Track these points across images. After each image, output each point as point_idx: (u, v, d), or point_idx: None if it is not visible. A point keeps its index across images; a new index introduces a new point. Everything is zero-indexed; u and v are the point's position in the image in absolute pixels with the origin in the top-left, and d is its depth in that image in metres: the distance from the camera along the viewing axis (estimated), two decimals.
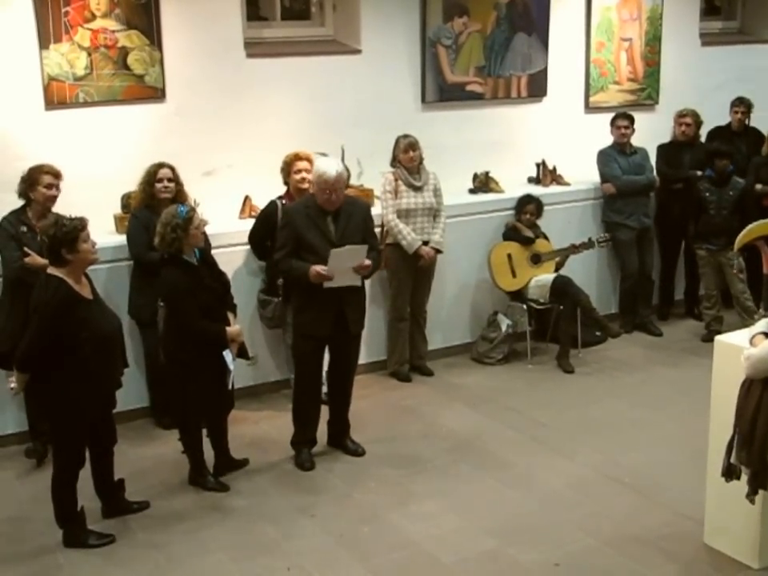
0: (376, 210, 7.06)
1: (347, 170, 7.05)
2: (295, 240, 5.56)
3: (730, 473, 4.05)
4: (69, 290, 4.66)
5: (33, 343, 4.65)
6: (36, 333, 4.64)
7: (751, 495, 3.97)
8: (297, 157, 6.42)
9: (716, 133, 8.48)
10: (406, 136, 6.90)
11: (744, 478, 3.97)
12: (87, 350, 4.67)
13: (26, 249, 5.55)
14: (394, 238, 6.90)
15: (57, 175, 5.68)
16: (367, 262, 5.58)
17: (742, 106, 8.38)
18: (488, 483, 5.56)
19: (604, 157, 7.97)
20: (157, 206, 5.94)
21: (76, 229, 4.65)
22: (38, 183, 5.65)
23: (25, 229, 5.66)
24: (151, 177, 6.02)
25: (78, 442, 4.87)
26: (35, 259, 5.49)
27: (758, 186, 7.81)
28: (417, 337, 7.27)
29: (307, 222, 5.56)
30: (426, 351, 7.36)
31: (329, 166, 5.52)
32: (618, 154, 7.93)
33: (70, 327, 4.63)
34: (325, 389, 6.26)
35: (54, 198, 5.68)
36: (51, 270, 4.70)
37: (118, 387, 5.09)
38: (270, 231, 6.38)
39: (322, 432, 5.99)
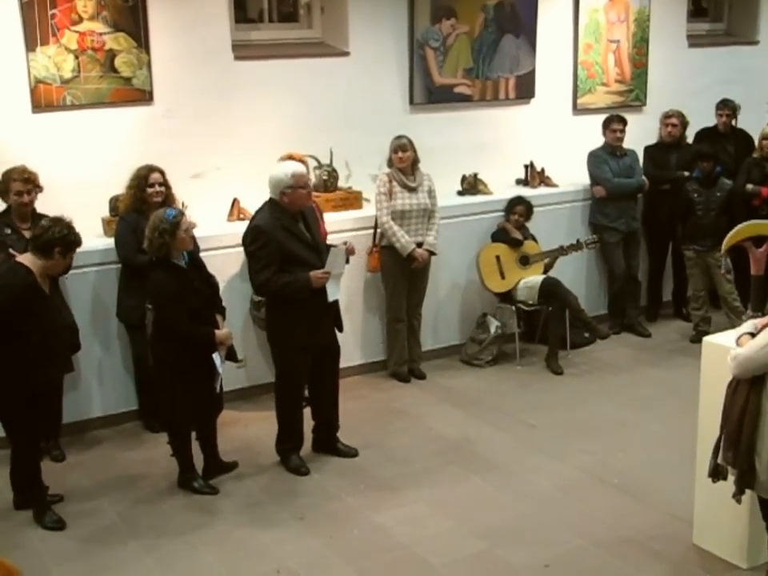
0: (366, 212, 7.11)
1: (334, 171, 7.14)
2: (279, 256, 5.46)
3: (716, 473, 4.06)
4: (34, 282, 4.90)
5: None
6: None
7: (738, 495, 3.98)
8: (291, 158, 6.42)
9: (703, 134, 8.50)
10: (398, 137, 6.90)
11: (731, 478, 3.98)
12: (34, 339, 4.88)
13: (10, 251, 5.54)
14: (388, 240, 6.90)
15: (27, 180, 5.64)
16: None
17: (726, 108, 8.38)
18: (477, 485, 5.56)
19: (595, 159, 7.97)
20: (146, 209, 5.93)
21: (77, 242, 5.01)
22: (9, 190, 5.66)
23: (9, 231, 5.65)
24: (142, 181, 5.98)
25: (25, 421, 5.03)
26: None
27: (749, 186, 7.80)
28: (410, 339, 7.26)
29: (286, 234, 5.49)
30: (420, 354, 7.36)
31: (291, 165, 5.70)
32: (609, 156, 7.93)
33: (23, 316, 4.85)
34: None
35: (26, 205, 5.64)
36: (22, 259, 4.93)
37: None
38: None
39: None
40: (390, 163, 6.96)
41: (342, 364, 6.09)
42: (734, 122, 8.48)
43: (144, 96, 6.57)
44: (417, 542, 4.93)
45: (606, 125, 7.95)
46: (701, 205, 7.64)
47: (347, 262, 5.79)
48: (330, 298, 5.58)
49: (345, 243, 5.72)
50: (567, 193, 8.13)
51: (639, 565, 4.69)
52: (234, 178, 6.86)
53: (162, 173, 6.04)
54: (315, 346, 5.65)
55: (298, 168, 5.59)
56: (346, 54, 7.31)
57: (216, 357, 5.35)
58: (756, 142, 8.03)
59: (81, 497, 5.49)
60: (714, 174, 7.66)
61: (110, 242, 6.18)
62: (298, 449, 5.84)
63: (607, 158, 7.93)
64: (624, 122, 7.91)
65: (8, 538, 5.03)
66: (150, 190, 5.97)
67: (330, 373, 5.86)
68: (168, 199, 6.02)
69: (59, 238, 4.90)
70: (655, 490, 5.40)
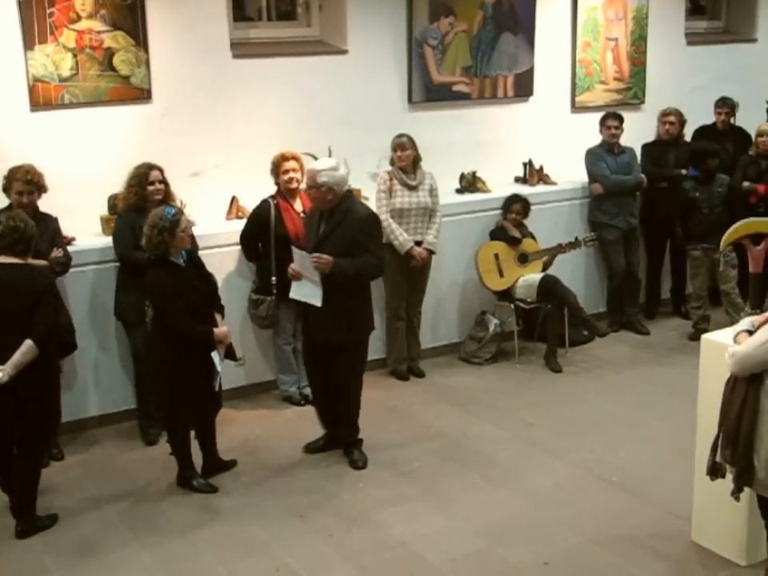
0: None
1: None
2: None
3: (714, 471, 4.06)
4: None
5: (54, 321, 4.98)
6: (54, 311, 4.98)
7: (736, 493, 3.98)
8: (283, 157, 6.43)
9: (702, 132, 8.50)
10: (399, 136, 6.92)
11: (730, 476, 3.98)
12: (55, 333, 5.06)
13: None
14: (386, 237, 6.90)
15: (29, 182, 5.60)
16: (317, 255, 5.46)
17: (725, 106, 8.38)
18: (476, 483, 5.56)
19: (592, 156, 7.97)
20: (146, 207, 5.90)
21: None
22: (11, 189, 5.65)
23: None
24: (143, 179, 5.95)
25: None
26: None
27: (745, 184, 7.83)
28: (409, 338, 7.27)
29: (307, 219, 5.86)
30: (419, 352, 7.37)
31: (315, 162, 5.74)
32: (607, 154, 7.93)
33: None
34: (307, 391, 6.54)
35: (25, 206, 5.59)
36: (24, 261, 4.97)
37: None
38: (261, 231, 6.37)
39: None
40: (392, 161, 6.96)
41: None
42: (732, 120, 8.48)
43: (142, 94, 6.56)
44: (416, 540, 4.93)
45: (602, 122, 7.96)
46: (705, 203, 7.60)
47: (334, 278, 5.52)
48: (291, 294, 5.70)
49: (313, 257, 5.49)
50: (566, 191, 8.13)
51: (638, 562, 4.69)
52: (233, 177, 6.86)
53: (161, 170, 6.03)
54: (314, 342, 5.68)
55: (310, 166, 5.70)
56: (345, 52, 7.31)
57: (215, 355, 5.36)
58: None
59: (79, 495, 5.49)
60: (712, 170, 7.65)
61: (108, 240, 6.17)
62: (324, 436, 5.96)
63: (605, 155, 7.93)
64: (619, 119, 7.91)
65: (7, 538, 5.03)
66: (150, 188, 5.95)
67: (333, 374, 5.78)
68: (167, 197, 6.01)
69: (34, 232, 5.05)
70: (654, 487, 5.41)
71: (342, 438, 5.91)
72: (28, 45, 6.11)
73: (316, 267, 5.45)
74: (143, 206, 5.91)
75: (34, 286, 4.86)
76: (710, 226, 7.52)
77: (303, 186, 6.43)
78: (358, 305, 5.66)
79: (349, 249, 5.49)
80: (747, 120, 8.42)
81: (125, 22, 6.40)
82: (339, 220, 5.53)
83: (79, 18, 6.25)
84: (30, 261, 5.04)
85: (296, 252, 5.59)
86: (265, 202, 6.43)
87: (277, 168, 6.43)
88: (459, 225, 7.51)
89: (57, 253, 5.69)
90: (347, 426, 5.89)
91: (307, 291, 5.55)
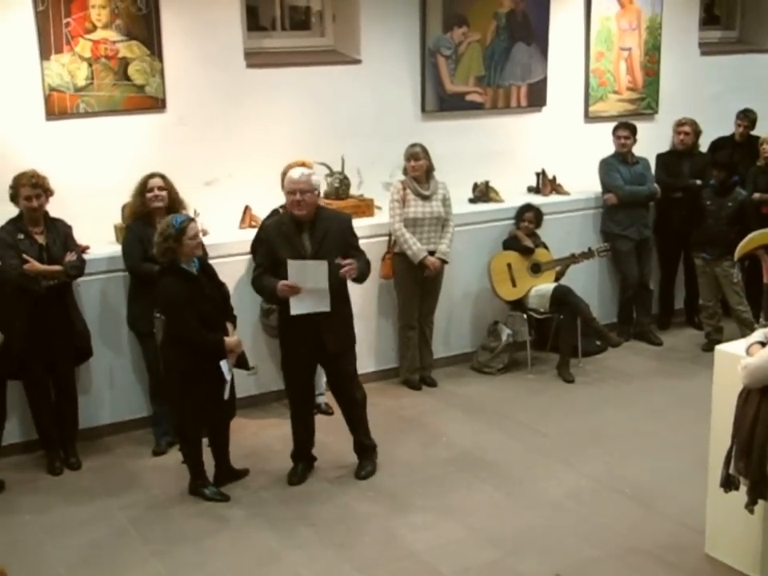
0: (378, 220, 7.12)
1: (346, 179, 7.11)
2: (270, 258, 5.47)
3: (728, 483, 4.05)
4: None
5: None
6: None
7: (750, 506, 3.96)
8: (289, 166, 6.43)
9: (719, 143, 8.48)
10: (412, 145, 6.92)
11: (743, 488, 3.97)
12: None
13: (24, 256, 5.57)
14: (400, 247, 6.91)
15: (35, 185, 5.63)
16: (346, 262, 5.42)
17: (746, 119, 8.36)
18: (488, 493, 5.55)
19: (606, 166, 7.96)
20: (149, 216, 5.92)
21: None
22: (19, 196, 5.68)
23: (22, 236, 5.67)
24: (142, 187, 5.98)
25: None
26: (34, 265, 5.58)
27: (756, 195, 7.81)
28: (422, 347, 7.26)
29: (281, 239, 5.44)
30: (431, 362, 7.36)
31: (295, 170, 5.56)
32: (620, 164, 7.92)
33: None
34: (324, 399, 6.50)
35: (35, 210, 5.66)
36: None
37: None
38: None
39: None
40: (405, 171, 6.97)
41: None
42: (751, 133, 8.44)
43: (157, 103, 6.59)
44: (428, 550, 4.92)
45: (613, 132, 7.94)
46: (712, 213, 7.61)
47: (358, 280, 5.61)
48: (293, 311, 5.39)
49: (339, 263, 5.41)
50: (579, 201, 8.12)
51: (651, 575, 4.66)
52: (246, 186, 6.88)
53: (162, 177, 6.02)
54: (307, 357, 5.60)
55: (296, 173, 5.45)
56: (358, 61, 7.33)
57: (224, 364, 5.35)
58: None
59: (92, 502, 5.50)
60: (731, 183, 7.60)
61: (119, 249, 6.16)
62: (295, 458, 5.81)
63: (619, 165, 7.92)
64: (630, 128, 7.89)
65: (20, 545, 5.05)
66: (148, 195, 5.96)
67: (336, 386, 5.80)
68: (175, 204, 6.01)
69: None
70: (667, 499, 5.38)
71: (360, 447, 5.87)
72: (44, 54, 6.15)
73: (345, 275, 5.43)
74: (145, 213, 5.93)
75: None
76: (711, 238, 7.53)
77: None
78: (350, 310, 5.70)
79: (346, 252, 5.51)
80: (761, 130, 8.38)
81: (140, 32, 6.43)
82: (326, 227, 5.46)
83: (95, 28, 6.29)
84: None
85: (294, 263, 5.35)
86: (275, 212, 6.45)
87: (283, 178, 6.44)
88: (472, 234, 7.51)
89: (71, 257, 5.73)
90: (359, 432, 5.86)
91: (310, 302, 5.39)
